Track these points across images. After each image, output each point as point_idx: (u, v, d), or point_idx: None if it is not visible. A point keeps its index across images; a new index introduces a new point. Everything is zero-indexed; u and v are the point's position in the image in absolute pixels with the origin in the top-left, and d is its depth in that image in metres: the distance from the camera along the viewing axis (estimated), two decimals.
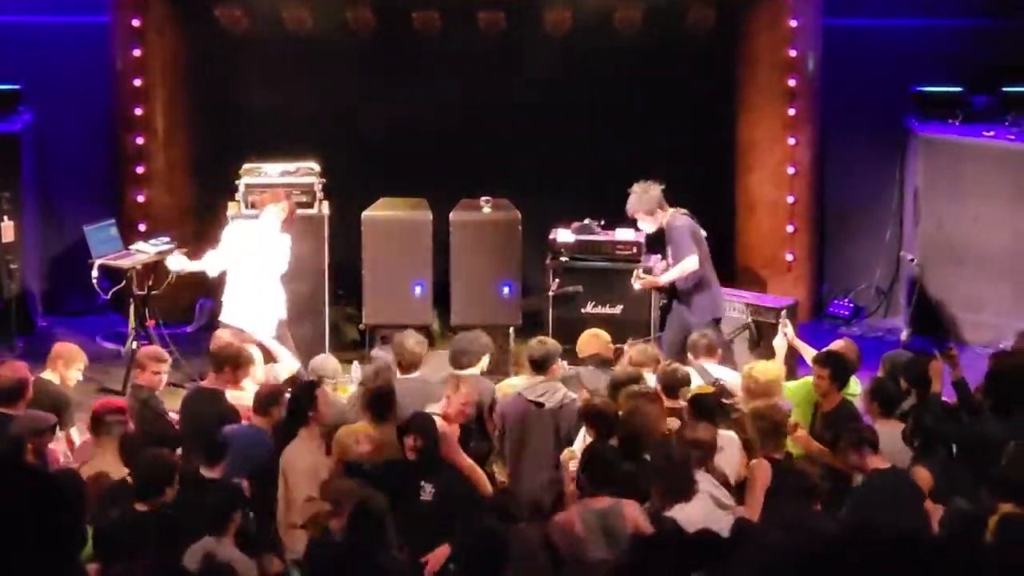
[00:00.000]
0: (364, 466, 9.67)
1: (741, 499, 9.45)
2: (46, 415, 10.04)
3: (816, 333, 13.88)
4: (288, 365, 12.05)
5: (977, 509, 8.85)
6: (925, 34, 15.00)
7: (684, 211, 12.56)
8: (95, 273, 13.34)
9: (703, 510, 8.95)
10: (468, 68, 14.82)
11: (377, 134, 14.79)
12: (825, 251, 15.44)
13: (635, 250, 13.52)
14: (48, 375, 11.12)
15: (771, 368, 10.72)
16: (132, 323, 13.38)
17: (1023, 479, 8.85)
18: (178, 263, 12.96)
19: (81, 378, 11.41)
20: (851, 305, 15.29)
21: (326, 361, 11.51)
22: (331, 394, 10.76)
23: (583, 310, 13.48)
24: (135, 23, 14.68)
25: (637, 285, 12.71)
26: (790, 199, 15.03)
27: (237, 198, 13.61)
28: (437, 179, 14.39)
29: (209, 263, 12.71)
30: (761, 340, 12.86)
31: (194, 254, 13.06)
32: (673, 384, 10.57)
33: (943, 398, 10.31)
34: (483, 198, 13.75)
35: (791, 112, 14.89)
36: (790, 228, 15.06)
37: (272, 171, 13.75)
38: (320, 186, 13.72)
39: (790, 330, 11.90)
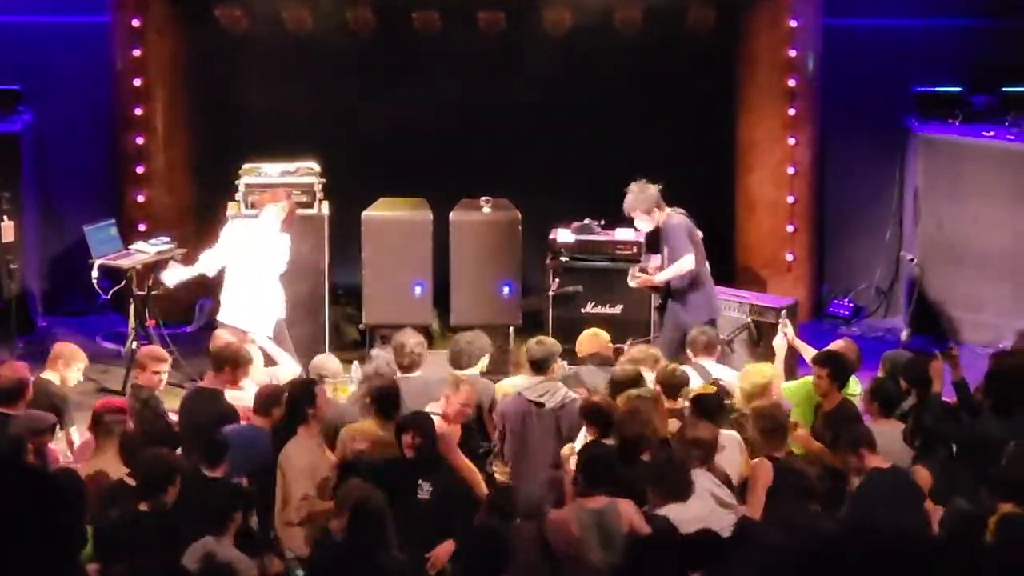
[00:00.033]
0: (361, 464, 9.69)
1: (742, 498, 9.46)
2: (46, 415, 10.04)
3: (816, 333, 13.88)
4: (288, 369, 12.03)
5: (977, 509, 8.85)
6: (925, 34, 15.00)
7: (681, 211, 12.56)
8: (95, 273, 13.34)
9: (699, 510, 8.94)
10: (468, 68, 14.82)
11: (377, 134, 14.79)
12: (825, 251, 15.44)
13: (635, 250, 13.52)
14: (48, 375, 11.12)
15: (764, 371, 10.75)
16: (132, 323, 13.37)
17: (1023, 479, 8.85)
18: (174, 277, 12.85)
19: (81, 378, 11.41)
20: (851, 305, 15.29)
21: (327, 360, 11.51)
22: (330, 393, 10.77)
23: (583, 310, 13.47)
24: (135, 23, 14.68)
25: (633, 283, 12.71)
26: (790, 199, 15.03)
27: (237, 198, 13.60)
28: (437, 179, 14.39)
29: (206, 263, 12.71)
30: (761, 340, 12.85)
31: (194, 254, 13.06)
32: (673, 384, 10.58)
33: (943, 398, 10.31)
34: (483, 198, 13.75)
35: (791, 112, 14.89)
36: (790, 228, 15.06)
37: (272, 171, 13.75)
38: (320, 186, 13.71)
39: (790, 330, 11.91)
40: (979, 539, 8.33)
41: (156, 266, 13.49)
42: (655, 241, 12.97)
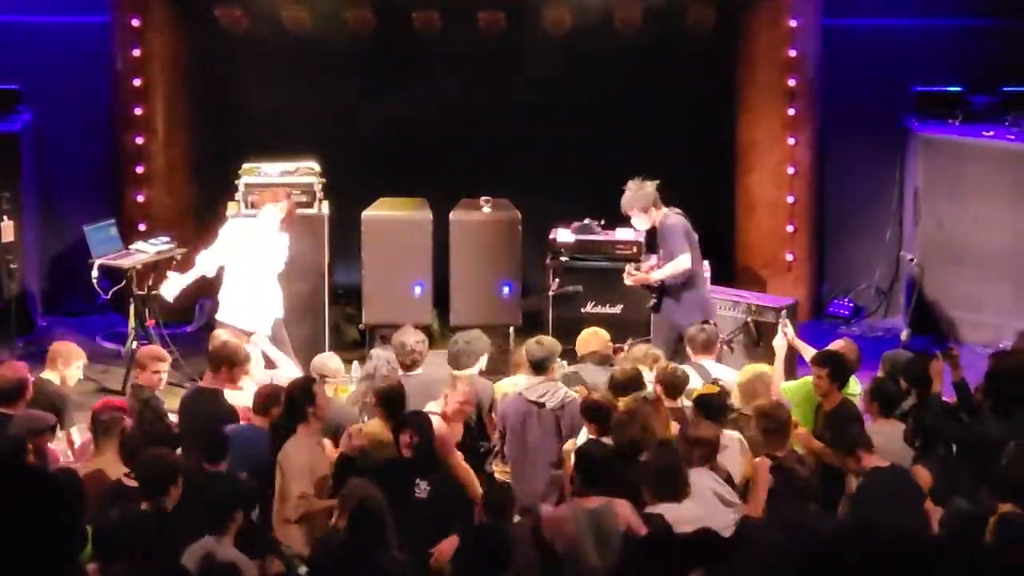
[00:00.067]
0: (358, 461, 9.70)
1: (744, 498, 9.46)
2: (45, 415, 10.03)
3: (816, 333, 13.88)
4: (288, 372, 12.02)
5: (977, 509, 8.85)
6: (925, 34, 15.00)
7: (678, 211, 12.56)
8: (95, 273, 13.34)
9: (695, 510, 8.94)
10: (468, 68, 14.83)
11: (377, 134, 14.81)
12: (825, 251, 15.44)
13: (635, 250, 13.51)
14: (48, 375, 11.11)
15: (762, 370, 10.78)
16: (132, 323, 13.38)
17: (1023, 479, 8.85)
18: (172, 289, 12.80)
19: (81, 376, 11.41)
20: (851, 305, 15.30)
21: (328, 360, 11.48)
22: (330, 393, 10.77)
23: (583, 310, 13.47)
24: (135, 23, 14.68)
25: (629, 281, 12.70)
26: (790, 199, 15.03)
27: (237, 198, 13.61)
28: (437, 179, 14.39)
29: (204, 264, 12.70)
30: (761, 340, 12.85)
31: (194, 254, 13.06)
32: (674, 384, 10.58)
33: (943, 398, 10.31)
34: (483, 198, 13.74)
35: (791, 112, 14.90)
36: (790, 228, 15.07)
37: (272, 171, 13.75)
38: (320, 186, 13.72)
39: (790, 330, 11.90)
40: (979, 539, 8.33)
41: (156, 269, 13.50)
42: (655, 241, 12.97)
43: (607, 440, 9.75)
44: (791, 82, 14.84)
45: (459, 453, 10.38)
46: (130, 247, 13.86)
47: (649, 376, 10.76)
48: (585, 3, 14.61)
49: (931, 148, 14.70)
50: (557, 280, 13.56)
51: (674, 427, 10.08)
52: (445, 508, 9.35)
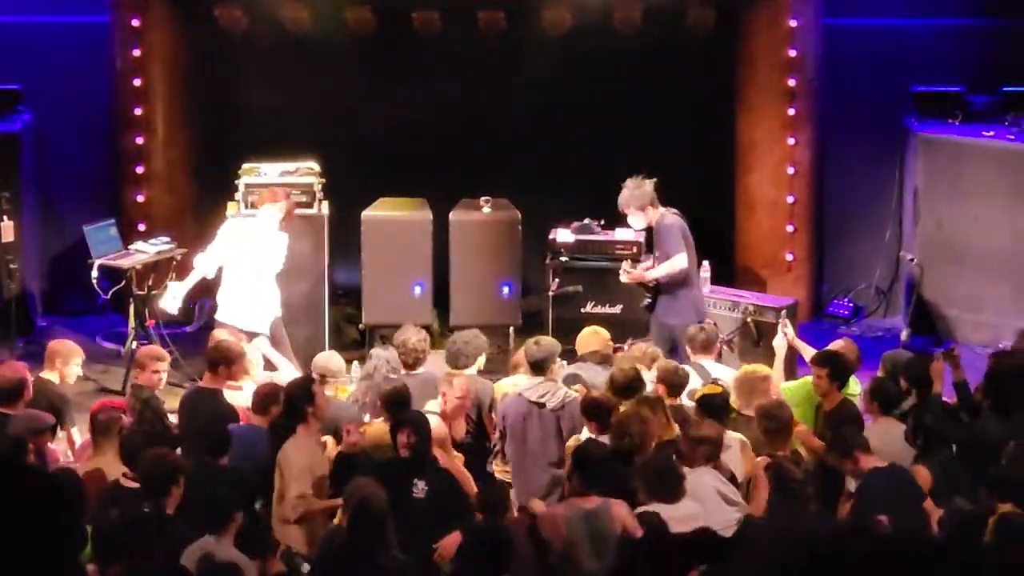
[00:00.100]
0: (354, 460, 9.72)
1: (746, 498, 9.46)
2: (44, 415, 10.03)
3: (816, 333, 13.88)
4: (288, 375, 11.99)
5: (977, 509, 8.85)
6: (925, 34, 15.00)
7: (675, 210, 12.56)
8: (95, 273, 13.35)
9: (691, 508, 8.95)
10: (468, 68, 14.83)
11: (377, 134, 14.81)
12: (825, 251, 15.44)
13: (635, 250, 13.51)
14: (47, 375, 11.10)
15: (760, 370, 10.80)
16: (132, 323, 13.38)
17: (1023, 479, 8.85)
18: (174, 299, 12.75)
19: (80, 372, 11.39)
20: (851, 305, 15.30)
21: (330, 358, 11.42)
22: (329, 392, 10.77)
23: (583, 310, 13.47)
24: (135, 23, 14.69)
25: (624, 278, 12.70)
26: (790, 199, 15.03)
27: (237, 198, 13.61)
28: (437, 179, 14.39)
29: (203, 266, 12.70)
30: (761, 340, 12.85)
31: (193, 254, 13.07)
32: (675, 383, 10.60)
33: (943, 399, 10.31)
34: (483, 198, 13.75)
35: (791, 112, 14.90)
36: (790, 228, 15.07)
37: (272, 171, 13.75)
38: (320, 186, 13.72)
39: (790, 330, 11.90)
40: (978, 539, 8.33)
41: (156, 269, 13.50)
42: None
43: (606, 439, 9.76)
44: (791, 82, 14.84)
45: (457, 454, 10.40)
46: (130, 247, 13.86)
47: (648, 375, 10.76)
48: (585, 3, 14.61)
49: (931, 148, 14.70)
50: (557, 280, 13.56)
51: (675, 427, 10.08)
52: (443, 508, 9.34)
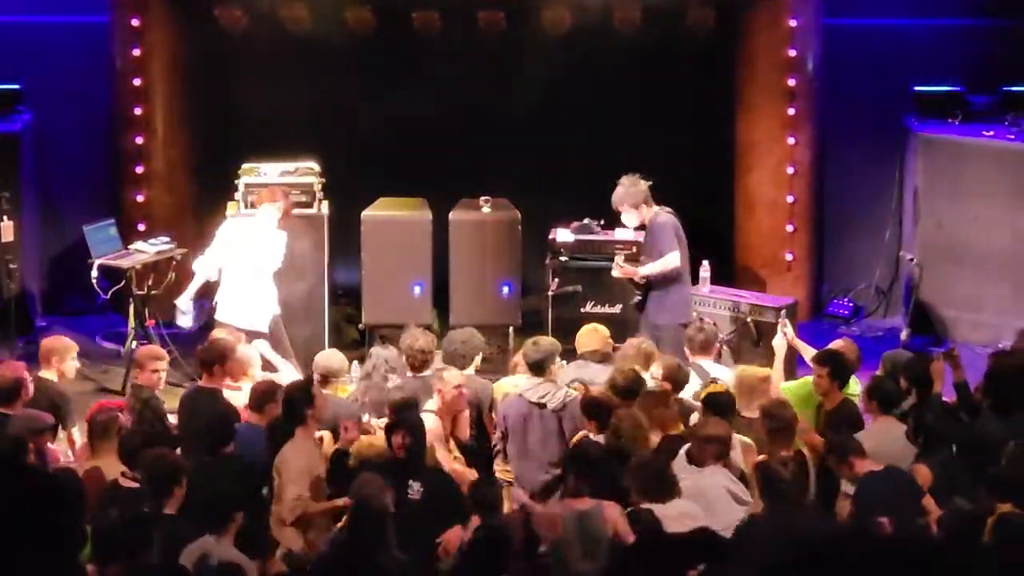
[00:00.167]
0: (350, 460, 9.72)
1: None
2: (43, 415, 10.03)
3: (816, 333, 13.88)
4: (288, 376, 11.98)
5: (976, 509, 8.85)
6: (925, 34, 15.00)
7: (668, 209, 12.57)
8: (95, 273, 13.35)
9: (686, 507, 8.95)
10: (468, 68, 14.83)
11: (377, 134, 14.81)
12: (825, 251, 15.44)
13: (635, 249, 13.49)
14: (45, 373, 11.09)
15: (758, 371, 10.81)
16: (132, 323, 13.38)
17: (1022, 479, 8.85)
18: (186, 314, 12.80)
19: (78, 365, 11.38)
20: (851, 305, 15.29)
21: (330, 358, 11.35)
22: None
23: (582, 310, 13.47)
24: (135, 23, 14.68)
25: (616, 272, 12.70)
26: (790, 199, 15.03)
27: (237, 198, 13.61)
28: (437, 179, 14.39)
29: (205, 269, 12.71)
30: (761, 340, 12.85)
31: (193, 254, 13.08)
32: (678, 380, 10.64)
33: (943, 399, 10.31)
34: (483, 198, 13.75)
35: (791, 112, 14.89)
36: (790, 228, 15.06)
37: (271, 171, 13.75)
38: (319, 186, 13.72)
39: (789, 330, 11.90)
40: (978, 539, 8.33)
41: (156, 269, 13.50)
42: None
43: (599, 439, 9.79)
44: (791, 82, 14.84)
45: (453, 454, 10.40)
46: (130, 247, 13.87)
47: (643, 372, 10.76)
48: (585, 3, 14.61)
49: (931, 148, 14.69)
50: (556, 280, 13.56)
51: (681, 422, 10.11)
52: (438, 509, 9.34)
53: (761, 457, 9.62)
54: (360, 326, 13.80)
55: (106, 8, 14.77)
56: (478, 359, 11.34)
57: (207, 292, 13.22)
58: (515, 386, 10.95)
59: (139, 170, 14.85)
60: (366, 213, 13.67)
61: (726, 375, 11.16)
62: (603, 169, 13.99)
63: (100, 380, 13.35)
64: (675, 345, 11.84)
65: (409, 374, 11.10)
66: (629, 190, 12.44)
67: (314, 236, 13.53)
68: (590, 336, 11.52)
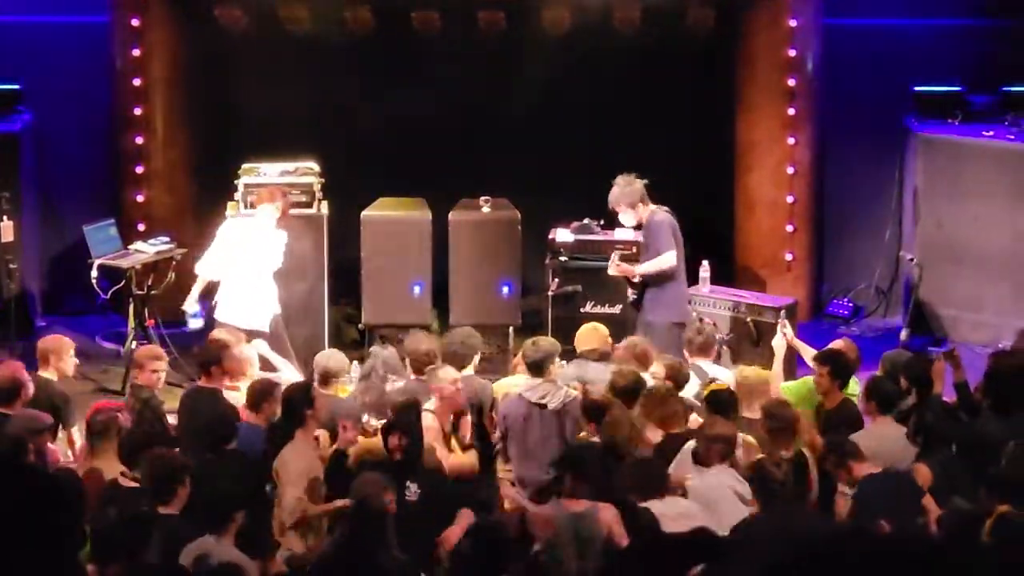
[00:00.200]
0: (348, 459, 9.72)
1: None
2: (42, 415, 10.03)
3: (816, 333, 13.88)
4: (288, 377, 11.98)
5: (976, 509, 8.85)
6: (925, 34, 15.00)
7: (666, 208, 12.57)
8: (94, 273, 13.35)
9: (684, 506, 8.95)
10: (468, 68, 14.83)
11: (377, 134, 14.81)
12: (825, 251, 15.44)
13: (634, 250, 13.50)
14: (44, 373, 11.08)
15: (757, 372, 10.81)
16: (132, 323, 13.38)
17: (1022, 479, 8.84)
18: (193, 318, 12.84)
19: (76, 361, 11.37)
20: (851, 305, 15.29)
21: (331, 358, 11.35)
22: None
23: (582, 310, 13.46)
24: (135, 23, 14.68)
25: (612, 270, 12.71)
26: (790, 199, 15.03)
27: (236, 198, 13.61)
28: (437, 179, 14.39)
29: (207, 271, 12.71)
30: (760, 340, 12.85)
31: (193, 254, 13.08)
32: (680, 378, 10.64)
33: (943, 399, 10.31)
34: (483, 198, 13.74)
35: (791, 112, 14.89)
36: (790, 228, 15.06)
37: (271, 171, 13.75)
38: (319, 186, 13.72)
39: (789, 330, 11.90)
40: (977, 539, 8.33)
41: (156, 269, 13.50)
42: None
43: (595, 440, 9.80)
44: (791, 82, 14.84)
45: (455, 452, 10.42)
46: (129, 247, 13.87)
47: (644, 374, 10.76)
48: (585, 3, 14.61)
49: (931, 148, 14.69)
50: (556, 280, 13.56)
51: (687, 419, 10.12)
52: (435, 510, 9.34)
53: (756, 457, 9.63)
54: (360, 326, 13.80)
55: (106, 8, 14.77)
56: (476, 359, 11.34)
57: (211, 292, 13.24)
58: (515, 386, 10.96)
59: (139, 170, 14.85)
60: (366, 213, 13.66)
61: (725, 376, 11.16)
62: (603, 169, 13.99)
63: (100, 380, 13.35)
64: (665, 343, 11.83)
65: (412, 376, 11.10)
66: (624, 190, 12.45)
67: (314, 236, 13.53)
68: (589, 335, 11.53)
